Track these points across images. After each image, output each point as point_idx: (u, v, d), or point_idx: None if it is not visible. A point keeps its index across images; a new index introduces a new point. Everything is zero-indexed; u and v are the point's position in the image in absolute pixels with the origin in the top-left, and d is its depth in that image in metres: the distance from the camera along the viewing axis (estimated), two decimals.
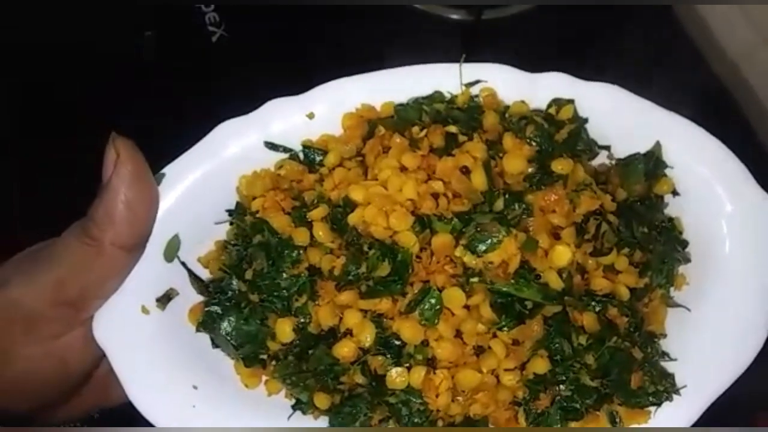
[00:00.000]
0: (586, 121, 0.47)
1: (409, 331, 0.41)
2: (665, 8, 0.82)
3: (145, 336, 0.44)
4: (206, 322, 0.45)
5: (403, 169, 0.44)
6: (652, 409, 0.44)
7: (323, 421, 0.45)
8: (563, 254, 0.42)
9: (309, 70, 0.50)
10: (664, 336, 0.46)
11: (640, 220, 0.46)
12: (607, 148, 0.48)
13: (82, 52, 0.75)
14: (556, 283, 0.41)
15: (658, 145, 0.47)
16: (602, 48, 0.80)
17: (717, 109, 0.72)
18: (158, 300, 0.45)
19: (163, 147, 0.44)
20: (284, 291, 0.43)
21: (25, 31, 0.76)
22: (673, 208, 0.49)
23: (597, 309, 0.43)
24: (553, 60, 0.49)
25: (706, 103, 0.60)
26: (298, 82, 0.47)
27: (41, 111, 0.76)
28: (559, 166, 0.44)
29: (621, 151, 0.48)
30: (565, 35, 0.81)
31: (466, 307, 0.41)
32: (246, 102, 0.47)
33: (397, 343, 0.42)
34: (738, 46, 0.80)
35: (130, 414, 0.44)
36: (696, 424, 0.45)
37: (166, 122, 0.70)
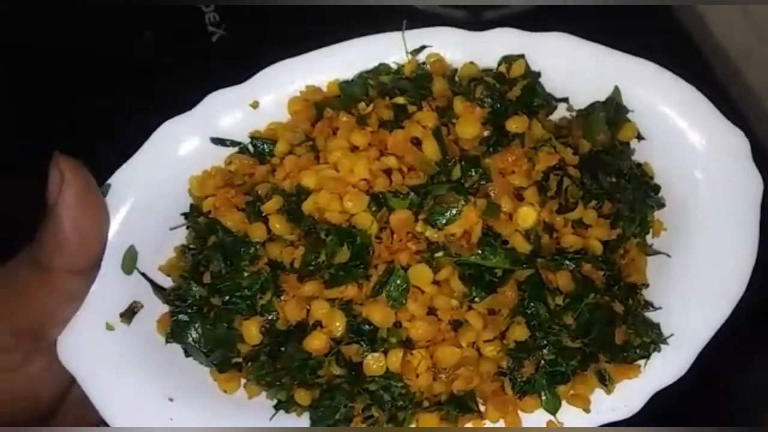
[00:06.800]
0: (539, 75, 0.45)
1: (378, 314, 0.39)
2: (665, 8, 0.81)
3: (112, 353, 0.43)
4: (175, 332, 0.43)
5: (355, 148, 0.42)
6: (641, 362, 0.43)
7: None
8: (528, 215, 0.40)
9: None
10: (646, 286, 0.45)
11: (606, 170, 0.44)
12: (566, 100, 0.46)
13: (82, 52, 0.74)
14: (522, 246, 0.40)
15: (617, 90, 0.46)
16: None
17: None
18: (122, 315, 0.43)
19: None
20: (246, 290, 0.41)
21: (24, 32, 0.75)
22: (641, 153, 0.47)
23: (571, 267, 0.41)
24: None
25: None
26: None
27: (40, 112, 0.74)
28: (514, 124, 0.42)
29: (580, 101, 0.47)
30: None
31: (436, 283, 0.40)
32: None
33: (369, 328, 0.40)
34: (738, 46, 0.79)
35: None
36: (691, 381, 0.43)
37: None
